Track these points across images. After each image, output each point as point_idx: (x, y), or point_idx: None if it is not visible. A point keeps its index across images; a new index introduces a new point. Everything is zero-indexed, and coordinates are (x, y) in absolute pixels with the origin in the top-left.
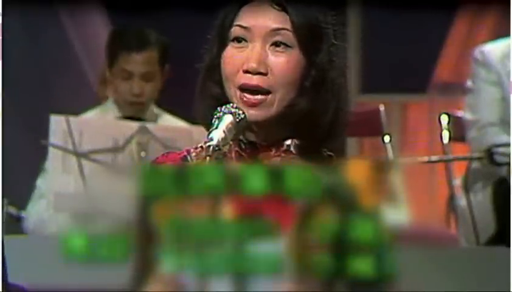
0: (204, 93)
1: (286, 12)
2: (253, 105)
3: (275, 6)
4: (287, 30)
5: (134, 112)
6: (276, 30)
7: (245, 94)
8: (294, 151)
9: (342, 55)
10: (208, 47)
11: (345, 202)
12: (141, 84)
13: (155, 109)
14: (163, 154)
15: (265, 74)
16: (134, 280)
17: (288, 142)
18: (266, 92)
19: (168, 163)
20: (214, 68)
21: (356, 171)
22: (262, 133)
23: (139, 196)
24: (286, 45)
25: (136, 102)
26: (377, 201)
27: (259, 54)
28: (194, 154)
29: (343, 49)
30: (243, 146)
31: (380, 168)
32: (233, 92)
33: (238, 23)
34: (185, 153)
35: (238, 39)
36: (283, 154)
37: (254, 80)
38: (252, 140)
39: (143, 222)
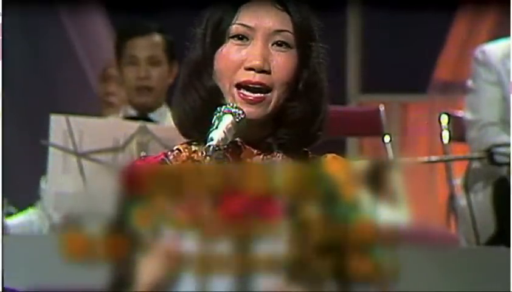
0: (194, 87)
1: (288, 13)
2: (251, 103)
3: (278, 6)
4: (289, 31)
5: (143, 99)
6: (279, 31)
7: (243, 91)
8: (275, 150)
9: (325, 55)
10: (198, 42)
11: (331, 196)
12: (147, 68)
13: (164, 108)
14: (140, 158)
15: (268, 72)
16: (115, 282)
17: (270, 140)
18: (266, 90)
19: None
20: (207, 64)
21: (335, 166)
22: (247, 132)
23: (120, 200)
24: (287, 45)
25: (143, 86)
26: (360, 194)
27: (263, 52)
28: (172, 157)
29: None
30: (226, 146)
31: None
32: (227, 89)
33: (240, 22)
34: (163, 156)
35: (239, 37)
36: (265, 153)
37: (256, 78)
38: (234, 139)
39: (124, 225)
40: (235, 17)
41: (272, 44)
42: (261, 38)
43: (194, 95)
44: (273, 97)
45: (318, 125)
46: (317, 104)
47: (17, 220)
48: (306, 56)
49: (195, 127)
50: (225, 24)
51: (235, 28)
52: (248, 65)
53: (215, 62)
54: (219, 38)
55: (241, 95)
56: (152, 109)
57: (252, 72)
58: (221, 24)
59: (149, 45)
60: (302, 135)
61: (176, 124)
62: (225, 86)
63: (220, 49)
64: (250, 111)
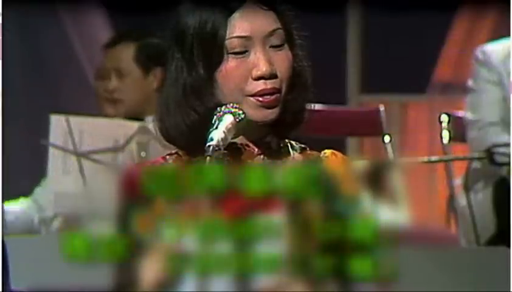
0: (193, 108)
1: (273, 11)
2: (269, 106)
3: (263, 7)
4: (280, 28)
5: (115, 110)
6: (272, 32)
7: (261, 98)
8: (273, 147)
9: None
10: (187, 64)
11: (330, 192)
12: (114, 80)
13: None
14: (138, 164)
15: (276, 76)
16: (117, 283)
17: (268, 138)
18: (279, 91)
19: None
20: (206, 82)
21: (335, 162)
22: (246, 133)
23: (120, 203)
24: (282, 43)
25: (111, 99)
26: (361, 191)
27: (266, 58)
28: (171, 161)
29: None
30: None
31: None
32: (240, 100)
33: (234, 34)
34: (162, 160)
35: (239, 50)
36: (265, 152)
37: (269, 85)
38: (233, 142)
39: (125, 228)
40: (228, 31)
41: (270, 46)
42: (259, 43)
43: (192, 115)
44: (283, 95)
45: (306, 109)
46: (306, 90)
47: (12, 209)
48: (293, 47)
49: (190, 142)
50: (220, 40)
51: (232, 43)
52: (257, 74)
53: (219, 81)
54: (214, 55)
55: (258, 100)
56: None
57: (263, 81)
58: (214, 40)
59: (117, 56)
60: (297, 122)
61: (167, 140)
62: (236, 98)
63: (222, 67)
64: (267, 113)
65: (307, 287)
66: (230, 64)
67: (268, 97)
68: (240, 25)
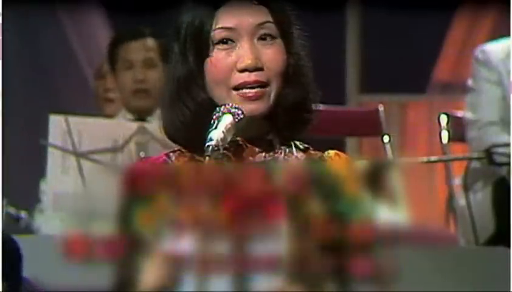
0: (183, 102)
1: (265, 5)
2: (253, 99)
3: (254, 2)
4: (270, 22)
5: (141, 102)
6: (261, 24)
7: (242, 91)
8: (275, 145)
9: (305, 43)
10: (180, 56)
11: (330, 192)
12: (143, 71)
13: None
14: (142, 159)
15: (261, 69)
16: (118, 282)
17: (270, 136)
18: (264, 85)
19: None
20: (195, 77)
21: (338, 163)
22: (247, 130)
23: (122, 200)
24: (272, 37)
25: (140, 89)
26: (362, 192)
27: (251, 50)
28: (174, 157)
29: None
30: (227, 145)
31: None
32: (225, 94)
33: (220, 25)
34: (165, 157)
35: (224, 41)
36: (266, 150)
37: (252, 77)
38: (235, 138)
39: (126, 226)
40: (214, 23)
41: (258, 39)
42: (246, 36)
43: (184, 110)
44: (272, 89)
45: (309, 108)
46: (306, 88)
47: None
48: (289, 44)
49: (187, 138)
50: (206, 32)
51: (217, 34)
52: (241, 66)
53: (206, 73)
54: (203, 48)
55: (240, 94)
56: (150, 112)
57: (247, 73)
58: (201, 32)
59: (143, 48)
60: (297, 120)
61: (168, 137)
62: (222, 92)
63: (208, 60)
64: (252, 107)
65: (306, 287)
66: (216, 55)
67: (250, 90)
68: (225, 17)
